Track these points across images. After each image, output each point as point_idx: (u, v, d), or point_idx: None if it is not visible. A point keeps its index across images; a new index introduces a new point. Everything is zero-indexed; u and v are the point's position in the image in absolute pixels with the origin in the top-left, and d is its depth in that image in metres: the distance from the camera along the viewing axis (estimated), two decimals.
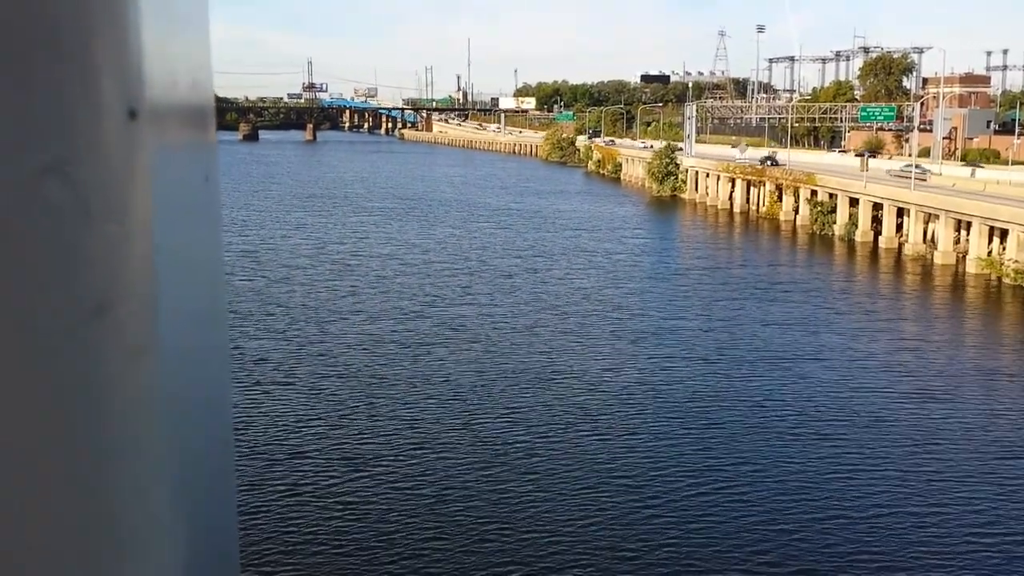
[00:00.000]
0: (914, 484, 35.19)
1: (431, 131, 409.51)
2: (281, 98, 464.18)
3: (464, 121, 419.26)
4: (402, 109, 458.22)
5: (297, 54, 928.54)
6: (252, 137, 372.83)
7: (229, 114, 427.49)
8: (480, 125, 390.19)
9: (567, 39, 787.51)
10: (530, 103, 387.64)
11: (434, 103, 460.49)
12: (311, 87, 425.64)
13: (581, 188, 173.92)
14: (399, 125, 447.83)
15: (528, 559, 29.40)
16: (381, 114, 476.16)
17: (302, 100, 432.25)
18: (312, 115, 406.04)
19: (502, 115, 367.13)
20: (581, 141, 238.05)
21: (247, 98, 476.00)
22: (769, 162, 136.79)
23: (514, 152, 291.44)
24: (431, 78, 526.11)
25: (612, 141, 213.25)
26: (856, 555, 29.64)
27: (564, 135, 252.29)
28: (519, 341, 57.27)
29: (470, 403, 44.97)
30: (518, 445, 39.26)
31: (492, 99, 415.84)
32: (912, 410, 43.95)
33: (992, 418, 42.80)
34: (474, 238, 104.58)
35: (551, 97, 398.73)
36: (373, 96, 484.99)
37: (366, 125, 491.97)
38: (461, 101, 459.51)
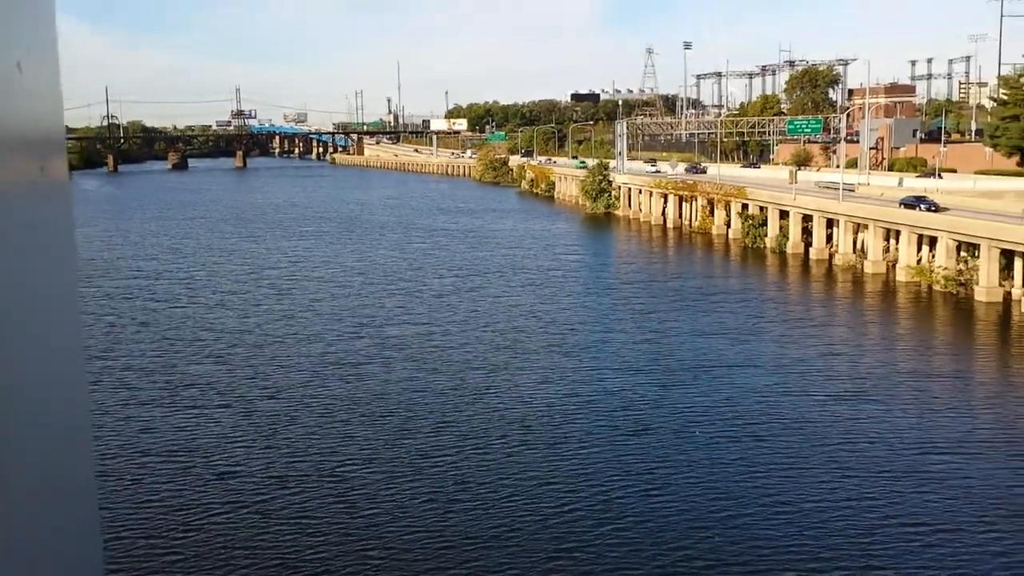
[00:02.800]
0: (844, 480, 35.31)
1: (363, 154, 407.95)
2: (210, 126, 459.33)
3: (396, 144, 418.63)
4: (333, 133, 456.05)
5: (225, 81, 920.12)
6: (181, 166, 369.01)
7: (158, 144, 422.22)
8: (413, 148, 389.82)
9: (497, 60, 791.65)
10: (462, 124, 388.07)
11: (365, 126, 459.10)
12: (240, 114, 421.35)
13: (515, 207, 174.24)
14: (330, 149, 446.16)
15: (461, 565, 28.84)
16: (312, 139, 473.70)
17: (231, 127, 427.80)
18: (242, 142, 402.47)
19: (434, 137, 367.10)
20: (514, 161, 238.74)
21: (175, 127, 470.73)
22: (694, 171, 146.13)
23: (447, 173, 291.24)
24: (361, 101, 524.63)
25: (552, 160, 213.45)
26: (789, 547, 29.54)
27: (497, 155, 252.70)
28: (456, 358, 56.70)
29: (407, 419, 44.21)
30: (454, 457, 38.66)
31: (424, 121, 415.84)
32: (843, 411, 44.22)
33: (920, 418, 43.21)
34: (410, 259, 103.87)
35: (482, 118, 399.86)
36: (303, 121, 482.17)
37: (297, 150, 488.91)
38: (392, 124, 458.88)
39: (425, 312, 72.15)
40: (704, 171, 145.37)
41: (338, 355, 58.36)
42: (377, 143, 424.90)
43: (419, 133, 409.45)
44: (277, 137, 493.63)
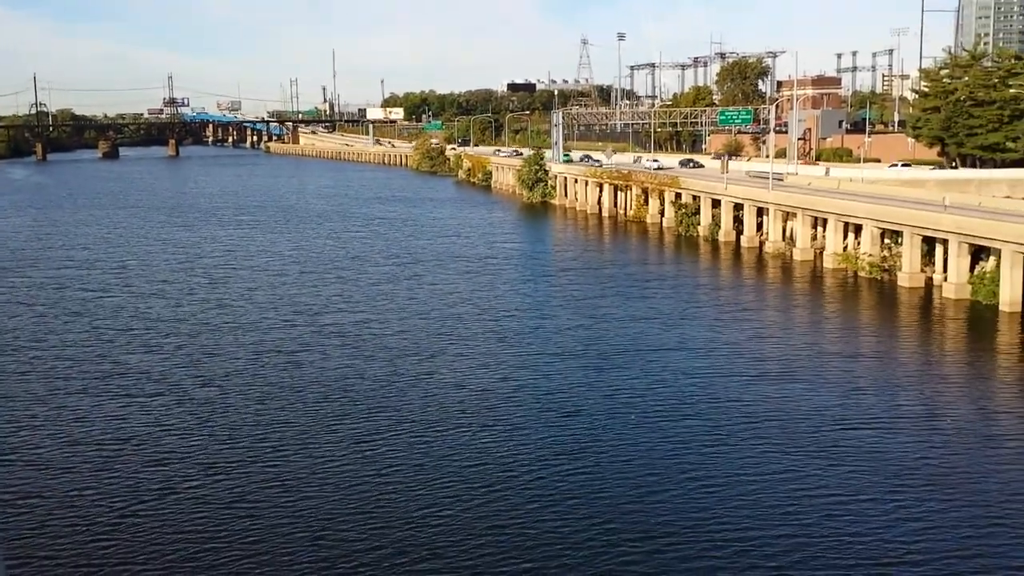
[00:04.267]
0: (771, 455, 36.59)
1: (298, 143, 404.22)
2: (142, 114, 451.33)
3: (332, 132, 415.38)
4: (267, 122, 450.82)
5: (158, 69, 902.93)
6: (112, 155, 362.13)
7: (88, 132, 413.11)
8: (348, 136, 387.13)
9: (433, 49, 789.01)
10: (398, 113, 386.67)
11: (300, 115, 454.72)
12: (172, 102, 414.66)
13: (453, 196, 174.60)
14: (265, 138, 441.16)
15: (396, 544, 29.44)
16: (246, 127, 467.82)
17: (164, 116, 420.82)
18: (174, 130, 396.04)
19: (370, 126, 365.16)
20: (451, 150, 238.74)
21: (106, 115, 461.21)
22: (690, 164, 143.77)
23: (384, 162, 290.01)
24: (296, 90, 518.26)
25: (498, 151, 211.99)
26: (718, 520, 30.69)
27: (434, 144, 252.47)
28: (394, 345, 57.12)
29: (343, 404, 44.53)
30: (390, 441, 39.13)
31: (360, 110, 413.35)
32: (772, 391, 45.62)
33: (844, 396, 44.83)
34: (348, 247, 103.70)
35: (419, 107, 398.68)
36: (237, 110, 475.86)
37: (230, 139, 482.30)
38: (328, 112, 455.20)
39: (362, 300, 72.39)
40: (701, 165, 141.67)
41: (274, 343, 58.42)
42: (313, 132, 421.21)
43: (355, 122, 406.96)
44: (211, 125, 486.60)
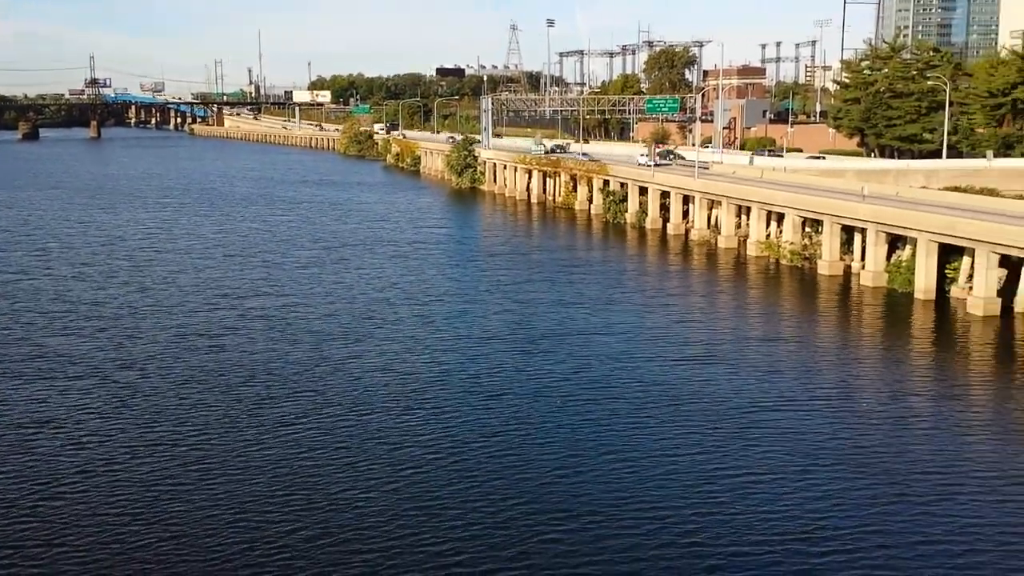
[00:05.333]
0: (691, 435, 37.45)
1: (223, 126, 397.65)
2: (63, 95, 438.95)
3: (257, 115, 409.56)
4: (191, 104, 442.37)
5: (80, 49, 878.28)
6: (32, 136, 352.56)
7: (7, 113, 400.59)
8: (274, 119, 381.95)
9: (361, 32, 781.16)
10: (325, 96, 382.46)
11: (225, 97, 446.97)
12: (94, 83, 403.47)
13: (381, 180, 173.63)
14: (189, 120, 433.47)
15: (319, 527, 29.49)
16: (170, 109, 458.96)
17: (85, 97, 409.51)
18: (96, 112, 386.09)
19: (297, 109, 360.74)
20: (379, 134, 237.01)
21: (26, 96, 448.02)
22: (670, 156, 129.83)
23: (311, 146, 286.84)
24: (221, 72, 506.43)
25: (452, 138, 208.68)
26: (637, 498, 31.26)
27: (362, 128, 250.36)
28: (319, 329, 56.81)
29: (267, 388, 44.20)
30: (314, 424, 39.07)
31: (286, 92, 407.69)
32: (694, 374, 46.53)
33: (763, 379, 45.94)
34: (273, 231, 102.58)
35: (347, 90, 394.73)
36: (160, 91, 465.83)
37: (154, 121, 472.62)
38: (253, 95, 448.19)
39: (288, 284, 71.76)
40: (682, 156, 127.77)
41: (198, 326, 57.67)
42: (237, 114, 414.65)
43: (281, 104, 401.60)
44: (133, 107, 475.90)
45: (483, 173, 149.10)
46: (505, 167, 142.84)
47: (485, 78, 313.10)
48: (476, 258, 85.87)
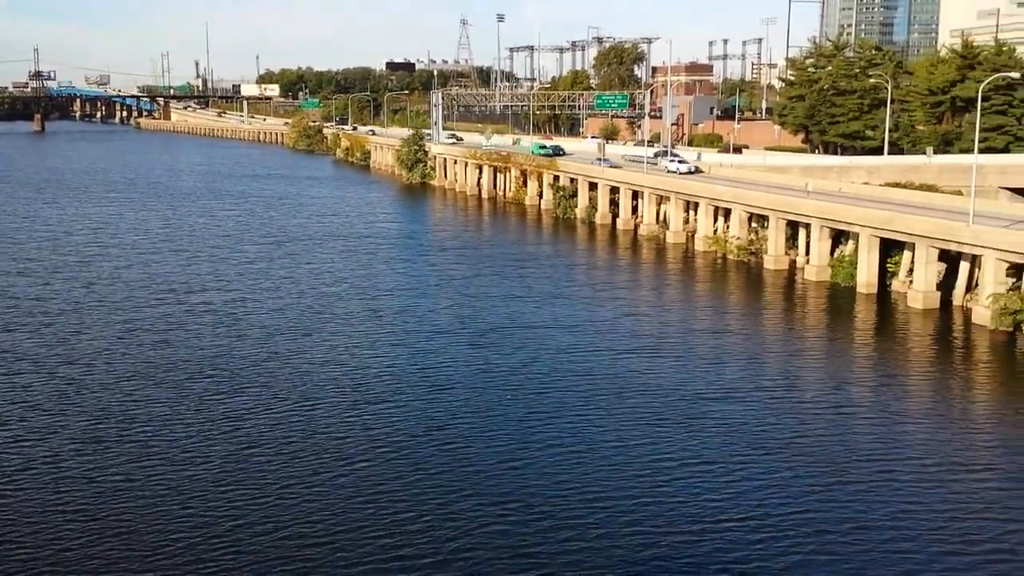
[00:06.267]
0: (637, 425, 38.02)
1: (170, 119, 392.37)
2: (6, 88, 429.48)
3: (205, 108, 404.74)
4: (138, 97, 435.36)
5: (23, 41, 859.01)
6: None
7: None
8: (222, 113, 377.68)
9: (310, 25, 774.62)
10: (274, 90, 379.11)
11: (172, 90, 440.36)
12: (38, 75, 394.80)
13: (330, 175, 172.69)
14: (135, 114, 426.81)
15: (267, 520, 29.61)
16: (115, 102, 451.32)
17: (29, 89, 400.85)
18: (40, 105, 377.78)
19: (245, 102, 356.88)
20: (328, 129, 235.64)
21: None
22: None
23: (259, 140, 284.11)
24: (168, 65, 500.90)
25: (372, 131, 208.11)
26: (582, 484, 31.72)
27: (311, 123, 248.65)
28: (268, 323, 56.58)
29: (214, 382, 44.05)
30: (261, 417, 39.03)
31: (234, 86, 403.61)
32: (642, 365, 47.20)
33: (708, 370, 46.75)
34: (221, 225, 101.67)
35: (295, 84, 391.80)
36: (106, 84, 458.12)
37: (99, 114, 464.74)
38: (201, 88, 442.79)
39: (236, 278, 71.30)
40: (675, 155, 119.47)
41: (145, 321, 57.12)
42: (185, 108, 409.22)
43: (229, 98, 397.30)
44: (78, 100, 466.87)
45: (434, 168, 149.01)
46: (456, 162, 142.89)
47: (435, 73, 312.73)
48: (426, 253, 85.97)
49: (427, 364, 48.41)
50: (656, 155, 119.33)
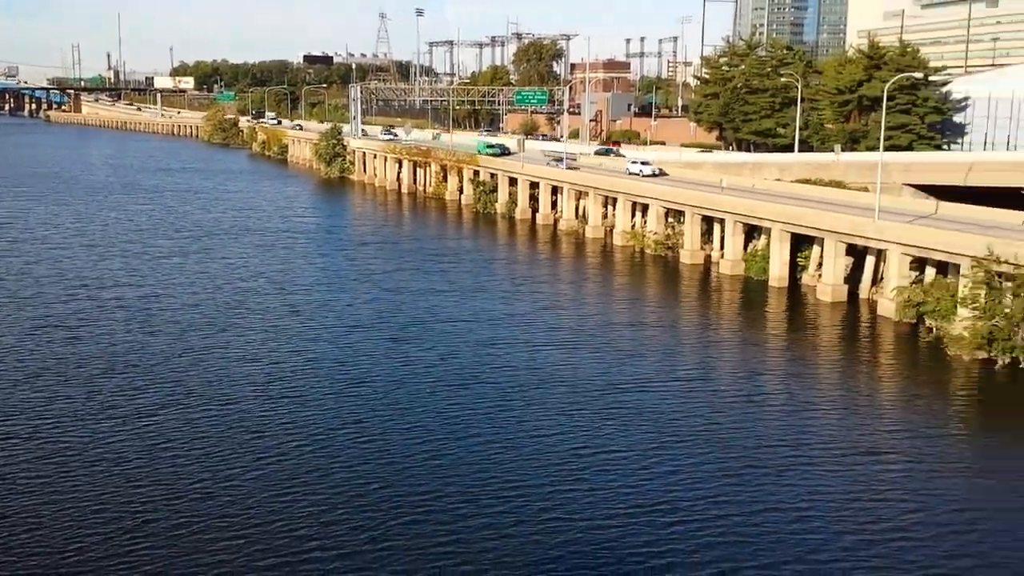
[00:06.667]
0: (556, 415, 38.64)
1: (80, 112, 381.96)
2: None
3: (117, 101, 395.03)
4: (47, 89, 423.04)
5: None
6: None
7: None
8: (135, 105, 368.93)
9: (226, 16, 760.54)
10: (188, 83, 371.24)
11: (83, 82, 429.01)
12: None
13: (247, 169, 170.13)
14: (45, 106, 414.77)
15: (178, 516, 29.34)
16: (24, 94, 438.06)
17: None
18: None
19: (158, 95, 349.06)
20: (245, 122, 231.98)
21: None
22: (608, 152, 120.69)
23: (173, 133, 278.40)
24: (78, 56, 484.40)
25: (299, 126, 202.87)
26: (504, 475, 32.11)
27: (226, 116, 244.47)
28: (183, 319, 55.67)
29: (126, 378, 43.21)
30: (175, 414, 38.51)
31: (147, 78, 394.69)
32: (561, 358, 47.79)
33: (625, 362, 47.60)
34: (135, 220, 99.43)
35: (210, 77, 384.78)
36: (14, 75, 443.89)
37: (7, 107, 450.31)
38: (113, 80, 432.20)
39: (149, 274, 69.93)
40: (619, 154, 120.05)
41: (55, 318, 55.63)
42: (96, 100, 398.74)
43: (142, 91, 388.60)
44: None
45: (352, 163, 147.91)
46: (375, 156, 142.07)
47: (354, 66, 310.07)
48: (345, 247, 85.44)
49: (345, 359, 48.25)
50: (596, 153, 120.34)
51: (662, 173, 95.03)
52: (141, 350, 49.09)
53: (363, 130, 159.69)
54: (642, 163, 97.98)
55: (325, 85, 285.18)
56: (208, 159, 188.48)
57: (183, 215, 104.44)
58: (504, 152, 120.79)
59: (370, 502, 31.25)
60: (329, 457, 35.10)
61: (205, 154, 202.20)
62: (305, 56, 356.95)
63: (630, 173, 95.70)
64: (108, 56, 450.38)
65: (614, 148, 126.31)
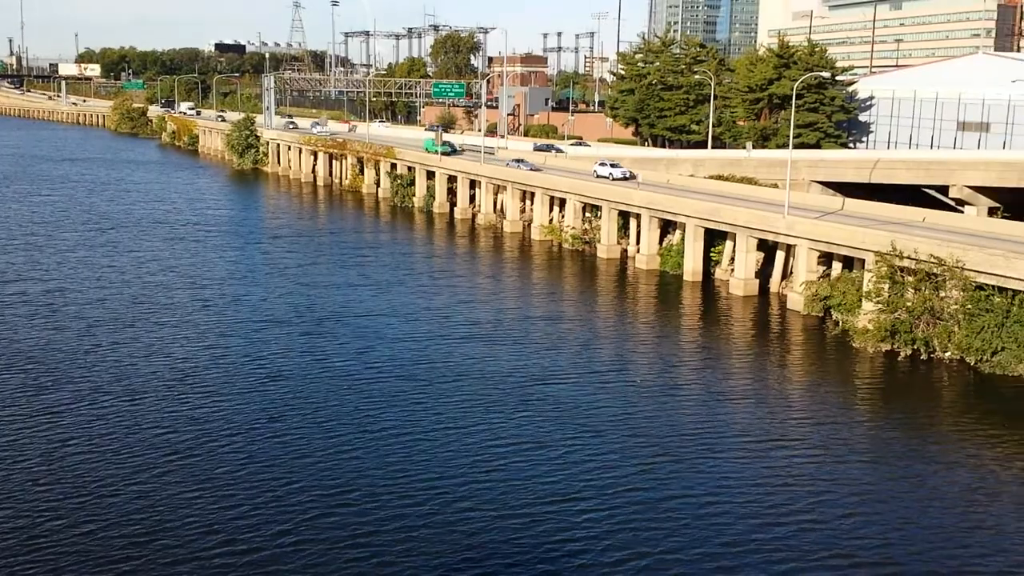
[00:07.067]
0: (472, 409, 38.80)
1: None
2: None
3: (19, 88, 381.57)
4: None
5: None
6: None
7: None
8: (47, 94, 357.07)
9: (134, 3, 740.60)
10: (95, 70, 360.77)
11: None
12: None
13: (156, 159, 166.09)
14: None
15: (79, 513, 28.67)
16: None
17: None
18: None
19: (63, 83, 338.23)
20: (154, 111, 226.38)
21: None
22: (546, 148, 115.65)
23: (79, 122, 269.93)
24: None
25: (222, 117, 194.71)
26: (417, 466, 32.09)
27: (135, 105, 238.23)
28: (90, 314, 54.17)
29: (25, 375, 42.08)
30: (81, 412, 37.58)
31: (51, 65, 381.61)
32: (478, 351, 47.86)
33: (542, 355, 47.95)
34: (40, 211, 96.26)
35: (118, 64, 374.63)
36: None
37: None
38: (15, 67, 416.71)
39: (55, 267, 67.86)
40: (560, 150, 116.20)
41: None
42: None
43: (46, 78, 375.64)
44: None
45: (266, 154, 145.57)
46: (289, 148, 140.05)
47: (267, 56, 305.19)
48: (258, 240, 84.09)
49: (259, 354, 47.54)
50: (536, 149, 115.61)
51: (632, 176, 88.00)
52: (45, 347, 47.67)
53: (292, 122, 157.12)
54: (611, 165, 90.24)
55: (238, 74, 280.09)
56: (116, 149, 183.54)
57: (90, 207, 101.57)
58: (454, 151, 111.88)
59: (283, 498, 30.92)
60: (242, 454, 34.61)
61: (113, 144, 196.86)
62: (217, 44, 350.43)
63: (598, 176, 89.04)
64: (10, 42, 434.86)
65: (555, 144, 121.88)
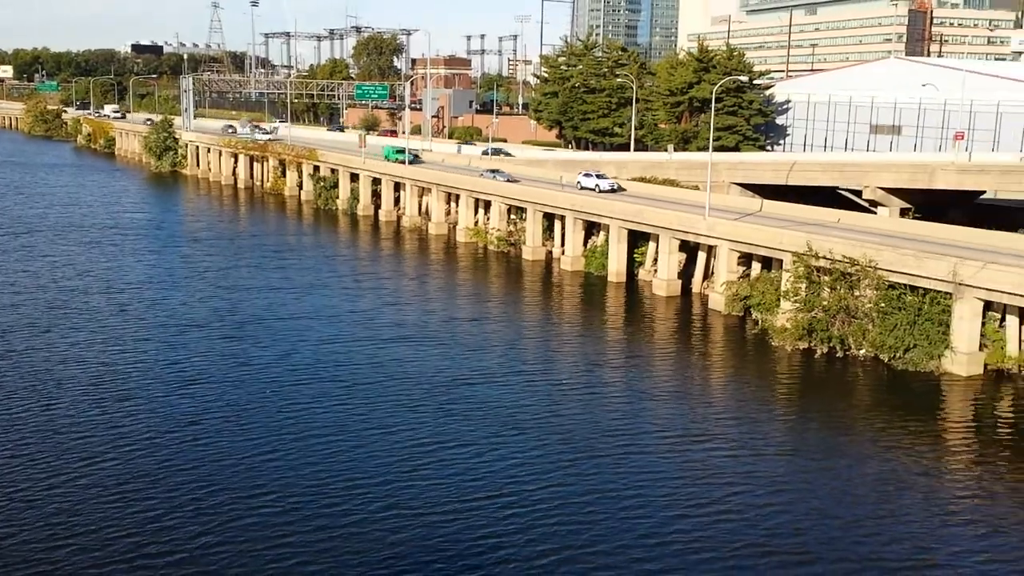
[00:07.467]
0: (397, 412, 38.68)
1: None
2: None
3: None
4: None
5: None
6: None
7: None
8: None
9: (47, 3, 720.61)
10: (7, 71, 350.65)
11: None
12: None
13: (71, 162, 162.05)
14: None
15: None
16: None
17: None
18: None
19: None
20: (69, 113, 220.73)
21: None
22: (497, 152, 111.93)
23: None
24: None
25: (150, 120, 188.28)
26: (338, 473, 31.98)
27: (49, 107, 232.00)
28: (3, 320, 52.75)
29: None
30: None
31: None
32: (405, 352, 47.78)
33: (467, 356, 48.06)
34: None
35: (31, 66, 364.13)
36: None
37: None
38: None
39: None
40: (509, 153, 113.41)
41: None
42: None
43: None
44: None
45: (185, 156, 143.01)
46: (209, 150, 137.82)
47: (185, 57, 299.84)
48: (177, 244, 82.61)
49: (178, 358, 46.78)
50: (485, 155, 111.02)
51: (620, 189, 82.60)
52: None
53: (231, 126, 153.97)
54: (597, 176, 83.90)
55: (155, 76, 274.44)
56: (30, 152, 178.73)
57: (2, 210, 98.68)
58: (416, 159, 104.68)
59: (207, 506, 30.49)
60: (161, 460, 34.05)
61: (26, 147, 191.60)
62: (133, 45, 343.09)
63: (582, 188, 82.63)
64: None
65: (504, 148, 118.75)
